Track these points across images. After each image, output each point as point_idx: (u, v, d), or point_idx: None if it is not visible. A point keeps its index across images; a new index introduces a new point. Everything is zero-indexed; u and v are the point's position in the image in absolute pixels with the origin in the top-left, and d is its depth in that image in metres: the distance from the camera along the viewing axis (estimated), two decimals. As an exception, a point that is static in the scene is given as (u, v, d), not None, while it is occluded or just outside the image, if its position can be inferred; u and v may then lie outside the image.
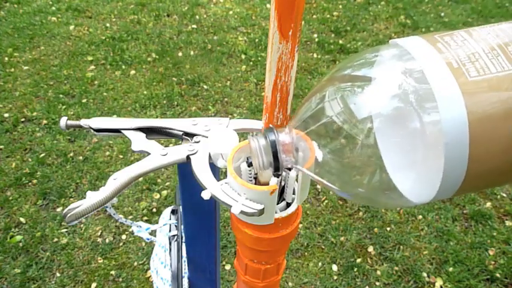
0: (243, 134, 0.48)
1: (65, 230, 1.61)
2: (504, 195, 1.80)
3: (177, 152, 0.48)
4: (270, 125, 0.28)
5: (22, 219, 1.63)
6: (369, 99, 0.26)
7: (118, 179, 0.44)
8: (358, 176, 0.27)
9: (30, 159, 1.87)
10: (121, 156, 1.89)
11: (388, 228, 1.66)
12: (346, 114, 0.26)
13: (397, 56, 0.27)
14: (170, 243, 0.79)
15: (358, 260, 1.55)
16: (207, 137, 0.51)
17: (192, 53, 2.62)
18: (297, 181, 0.50)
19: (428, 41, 0.26)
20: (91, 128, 0.53)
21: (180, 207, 0.68)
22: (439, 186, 0.24)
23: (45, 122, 2.07)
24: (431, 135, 0.24)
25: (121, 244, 1.57)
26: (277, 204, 0.51)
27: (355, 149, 0.26)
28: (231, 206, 0.39)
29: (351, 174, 0.28)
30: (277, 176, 0.28)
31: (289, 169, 0.28)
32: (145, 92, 2.28)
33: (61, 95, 2.23)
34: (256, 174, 0.48)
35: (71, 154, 1.90)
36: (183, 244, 0.78)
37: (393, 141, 0.25)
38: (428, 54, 0.25)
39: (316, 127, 0.28)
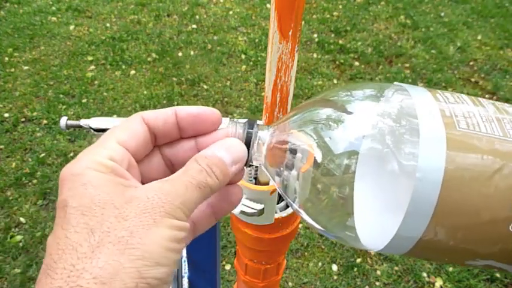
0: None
1: (65, 230, 1.61)
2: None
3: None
4: (256, 120, 0.28)
5: (22, 219, 1.63)
6: (348, 135, 0.26)
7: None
8: (322, 205, 0.27)
9: (30, 159, 1.87)
10: (121, 156, 1.89)
11: (388, 228, 1.66)
12: (322, 146, 0.26)
13: (389, 94, 0.27)
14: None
15: (358, 260, 1.55)
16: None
17: (192, 53, 2.62)
18: (297, 181, 0.50)
19: (428, 90, 0.26)
20: (91, 128, 0.53)
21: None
22: (394, 235, 0.23)
23: (45, 122, 2.07)
24: (403, 180, 0.23)
25: (121, 244, 1.57)
26: (277, 204, 0.51)
27: (327, 183, 0.26)
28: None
29: (317, 204, 0.27)
30: (247, 167, 0.28)
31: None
32: (145, 92, 2.28)
33: (61, 95, 2.23)
34: (256, 174, 0.48)
35: (71, 154, 1.90)
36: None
37: (365, 181, 0.25)
38: (424, 97, 0.25)
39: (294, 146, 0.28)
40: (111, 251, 0.20)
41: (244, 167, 0.28)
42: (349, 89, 0.28)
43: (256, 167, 0.30)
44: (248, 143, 0.27)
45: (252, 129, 0.27)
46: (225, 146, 0.26)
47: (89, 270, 0.19)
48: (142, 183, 0.26)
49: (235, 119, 0.28)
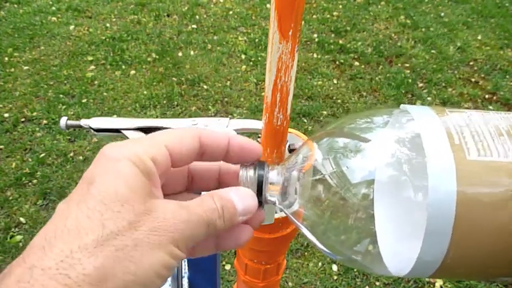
0: (242, 134, 0.48)
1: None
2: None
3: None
4: (263, 161, 0.29)
5: (22, 219, 1.63)
6: (365, 164, 0.26)
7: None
8: (344, 237, 0.27)
9: (30, 159, 1.87)
10: (121, 156, 1.89)
11: (388, 228, 1.66)
12: (339, 176, 0.26)
13: (399, 122, 0.26)
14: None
15: (358, 260, 1.55)
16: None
17: (192, 53, 2.62)
18: (298, 181, 0.50)
19: (435, 111, 0.25)
20: (91, 128, 0.53)
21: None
22: (414, 264, 0.23)
23: (45, 122, 2.07)
24: (420, 207, 0.23)
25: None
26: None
27: (346, 211, 0.26)
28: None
29: (337, 233, 0.27)
30: (260, 206, 0.29)
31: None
32: (145, 92, 2.28)
33: (61, 95, 2.23)
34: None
35: (71, 154, 1.90)
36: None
37: (384, 208, 0.25)
38: (430, 122, 0.24)
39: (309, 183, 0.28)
40: (112, 255, 0.20)
41: (263, 209, 0.29)
42: (357, 118, 0.28)
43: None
44: (260, 186, 0.28)
45: (263, 170, 0.28)
46: (239, 194, 0.26)
47: (84, 264, 0.19)
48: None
49: (242, 167, 0.28)
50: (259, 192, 0.28)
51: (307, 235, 0.28)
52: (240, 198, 0.26)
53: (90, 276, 0.19)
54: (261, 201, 0.28)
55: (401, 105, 0.27)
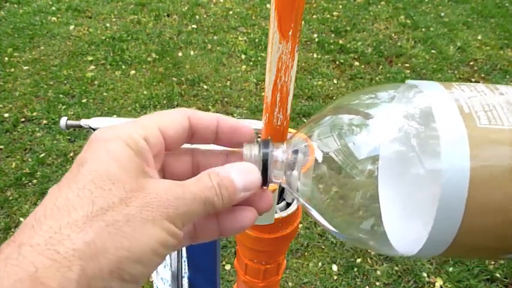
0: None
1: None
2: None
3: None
4: (269, 137, 0.28)
5: (22, 219, 1.63)
6: (370, 140, 0.25)
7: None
8: (350, 215, 0.27)
9: (30, 159, 1.87)
10: (121, 156, 1.89)
11: (388, 228, 1.66)
12: (344, 152, 0.25)
13: (406, 96, 0.26)
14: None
15: (358, 260, 1.55)
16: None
17: (192, 53, 2.62)
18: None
19: (443, 85, 0.25)
20: (91, 128, 0.53)
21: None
22: (425, 242, 0.23)
23: (45, 122, 2.07)
24: (428, 183, 0.23)
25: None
26: (277, 204, 0.51)
27: (351, 189, 0.26)
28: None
29: (343, 212, 0.27)
30: (265, 186, 0.28)
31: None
32: (145, 92, 2.28)
33: (61, 95, 2.23)
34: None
35: (71, 154, 1.90)
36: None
37: (390, 185, 0.24)
38: (439, 95, 0.24)
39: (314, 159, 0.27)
40: (102, 230, 0.19)
41: (272, 192, 0.28)
42: (363, 94, 0.28)
43: None
44: (265, 164, 0.27)
45: (268, 149, 0.27)
46: (240, 169, 0.25)
47: (73, 240, 0.19)
48: (163, 176, 0.26)
49: (247, 144, 0.28)
50: (265, 170, 0.27)
51: (314, 215, 0.28)
52: (240, 173, 0.25)
53: (80, 250, 0.19)
54: (267, 180, 0.27)
55: (408, 81, 0.27)
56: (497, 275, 1.50)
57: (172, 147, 0.26)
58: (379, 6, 3.22)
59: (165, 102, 2.22)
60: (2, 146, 1.93)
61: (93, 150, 0.22)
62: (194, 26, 2.88)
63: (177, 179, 0.25)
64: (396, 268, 1.53)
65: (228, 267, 1.52)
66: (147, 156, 0.23)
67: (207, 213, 0.24)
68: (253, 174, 0.26)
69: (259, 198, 0.27)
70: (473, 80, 2.58)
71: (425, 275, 1.51)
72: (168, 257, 0.82)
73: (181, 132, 0.26)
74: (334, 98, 2.34)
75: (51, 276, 0.18)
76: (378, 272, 1.52)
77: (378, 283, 1.49)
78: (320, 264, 1.54)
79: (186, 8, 3.06)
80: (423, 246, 0.23)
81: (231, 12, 3.05)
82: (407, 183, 0.24)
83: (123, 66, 2.46)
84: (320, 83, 2.44)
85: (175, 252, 0.81)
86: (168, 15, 2.98)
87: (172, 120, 0.25)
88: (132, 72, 2.43)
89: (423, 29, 2.98)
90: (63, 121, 0.54)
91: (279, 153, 0.28)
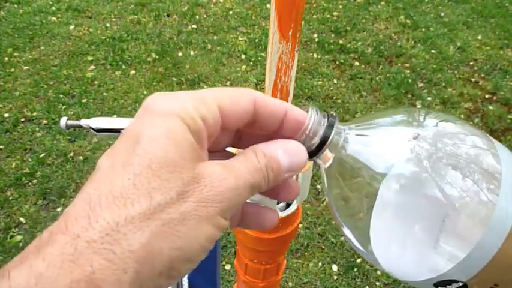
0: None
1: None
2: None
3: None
4: (336, 119, 0.26)
5: (22, 219, 1.63)
6: (389, 156, 0.24)
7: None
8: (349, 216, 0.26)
9: (30, 159, 1.87)
10: (121, 156, 1.89)
11: (388, 228, 1.66)
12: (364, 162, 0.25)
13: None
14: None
15: (358, 260, 1.55)
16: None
17: (192, 53, 2.62)
18: (296, 181, 0.50)
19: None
20: (91, 128, 0.53)
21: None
22: (442, 273, 0.22)
23: (45, 122, 2.07)
24: (456, 219, 0.22)
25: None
26: (277, 204, 0.51)
27: (357, 195, 0.25)
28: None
29: (347, 209, 0.27)
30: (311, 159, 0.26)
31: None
32: (145, 92, 2.28)
33: (61, 95, 2.23)
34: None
35: (71, 154, 1.90)
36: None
37: (394, 209, 0.24)
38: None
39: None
40: (158, 230, 0.19)
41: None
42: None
43: None
44: (321, 143, 0.25)
45: (331, 130, 0.25)
46: (288, 149, 0.23)
47: (130, 240, 0.18)
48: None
49: (314, 109, 0.25)
50: (317, 149, 0.25)
51: (332, 210, 0.28)
52: (287, 154, 0.23)
53: (135, 252, 0.18)
54: (326, 141, 0.25)
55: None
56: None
57: (228, 129, 0.24)
58: (379, 6, 3.22)
59: (165, 102, 2.22)
60: (2, 146, 1.93)
61: (148, 124, 0.21)
62: (194, 26, 2.88)
63: (215, 145, 0.23)
64: (396, 268, 1.53)
65: (228, 267, 1.52)
66: (202, 137, 0.22)
67: (251, 196, 0.23)
68: (301, 155, 0.24)
69: (287, 187, 0.26)
70: (473, 80, 2.58)
71: (425, 275, 1.51)
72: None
73: (241, 117, 0.23)
74: (334, 98, 2.35)
75: (107, 279, 0.17)
76: (378, 272, 1.52)
77: (377, 283, 1.49)
78: (320, 264, 1.54)
79: (186, 8, 3.06)
80: (432, 278, 0.23)
81: (231, 12, 3.05)
82: (417, 212, 0.24)
83: (123, 66, 2.46)
84: (320, 83, 2.44)
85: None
86: (168, 15, 2.98)
87: (235, 101, 0.23)
88: (132, 72, 2.43)
89: (423, 29, 2.98)
90: (63, 121, 0.54)
91: (337, 137, 0.26)
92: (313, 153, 0.25)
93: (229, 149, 0.27)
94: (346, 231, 0.27)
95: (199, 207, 0.20)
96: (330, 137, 0.25)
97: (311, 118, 0.25)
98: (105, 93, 2.26)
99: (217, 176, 0.21)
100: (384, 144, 0.25)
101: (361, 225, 0.25)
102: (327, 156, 0.26)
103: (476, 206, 0.22)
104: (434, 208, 0.23)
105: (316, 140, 0.25)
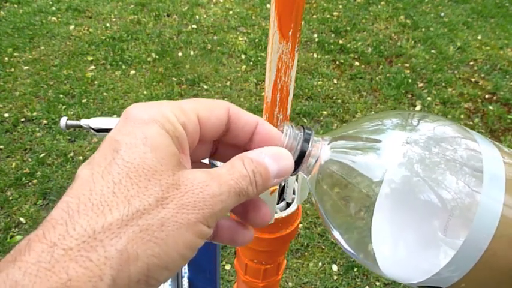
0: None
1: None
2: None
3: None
4: (312, 132, 0.27)
5: (22, 219, 1.63)
6: (384, 162, 0.25)
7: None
8: (349, 233, 0.26)
9: (30, 159, 1.87)
10: (121, 156, 1.89)
11: (388, 228, 1.66)
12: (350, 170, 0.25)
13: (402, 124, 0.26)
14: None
15: (358, 260, 1.55)
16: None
17: (192, 53, 2.62)
18: (296, 181, 0.50)
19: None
20: (91, 128, 0.53)
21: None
22: (434, 273, 0.23)
23: (45, 122, 2.07)
24: (434, 217, 0.22)
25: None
26: (277, 204, 0.51)
27: (351, 204, 0.25)
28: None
29: (343, 227, 0.27)
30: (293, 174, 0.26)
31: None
32: (145, 92, 2.28)
33: (61, 95, 2.23)
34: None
35: (71, 154, 1.90)
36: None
37: (389, 211, 0.24)
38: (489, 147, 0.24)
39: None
40: (136, 236, 0.19)
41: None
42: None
43: None
44: (300, 157, 0.26)
45: (308, 143, 0.26)
46: (274, 155, 0.24)
47: (106, 247, 0.18)
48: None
49: (289, 125, 0.26)
50: (297, 162, 0.25)
51: (323, 218, 0.28)
52: (274, 159, 0.23)
53: (111, 259, 0.18)
54: (296, 170, 0.26)
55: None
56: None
57: (205, 140, 0.24)
58: (379, 6, 3.22)
59: (165, 102, 2.22)
60: (2, 146, 1.93)
61: (128, 132, 0.21)
62: (194, 26, 2.88)
63: (194, 157, 0.23)
64: (396, 268, 1.53)
65: (228, 267, 1.52)
66: (183, 144, 0.22)
67: (238, 203, 0.22)
68: (287, 160, 0.24)
69: (257, 211, 0.26)
70: (473, 80, 2.58)
71: (425, 275, 1.51)
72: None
73: (217, 126, 0.24)
74: (334, 98, 2.34)
75: (82, 286, 0.17)
76: (378, 272, 1.52)
77: (377, 283, 1.49)
78: (320, 264, 1.54)
79: (186, 8, 3.06)
80: (427, 279, 0.23)
81: (231, 12, 3.05)
82: (412, 213, 0.24)
83: (123, 66, 2.46)
84: (320, 83, 2.44)
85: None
86: (168, 15, 2.98)
87: (211, 111, 0.24)
88: (132, 72, 2.43)
89: (423, 29, 2.98)
90: (63, 121, 0.54)
91: (315, 150, 0.26)
92: (294, 167, 0.25)
93: (206, 160, 0.27)
94: (336, 235, 0.27)
95: (179, 213, 0.20)
96: (307, 151, 0.26)
97: (287, 134, 0.25)
98: (105, 93, 2.26)
99: (199, 182, 0.21)
100: (368, 150, 0.26)
101: (360, 227, 0.25)
102: (315, 169, 0.26)
103: (462, 206, 0.22)
104: (430, 210, 0.23)
105: (294, 155, 0.25)
